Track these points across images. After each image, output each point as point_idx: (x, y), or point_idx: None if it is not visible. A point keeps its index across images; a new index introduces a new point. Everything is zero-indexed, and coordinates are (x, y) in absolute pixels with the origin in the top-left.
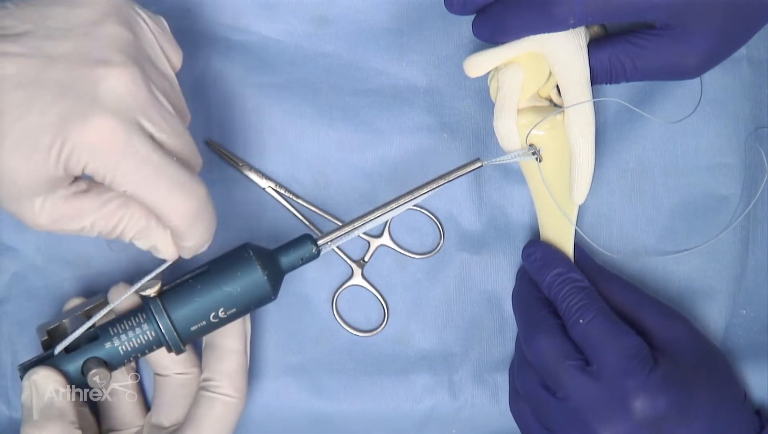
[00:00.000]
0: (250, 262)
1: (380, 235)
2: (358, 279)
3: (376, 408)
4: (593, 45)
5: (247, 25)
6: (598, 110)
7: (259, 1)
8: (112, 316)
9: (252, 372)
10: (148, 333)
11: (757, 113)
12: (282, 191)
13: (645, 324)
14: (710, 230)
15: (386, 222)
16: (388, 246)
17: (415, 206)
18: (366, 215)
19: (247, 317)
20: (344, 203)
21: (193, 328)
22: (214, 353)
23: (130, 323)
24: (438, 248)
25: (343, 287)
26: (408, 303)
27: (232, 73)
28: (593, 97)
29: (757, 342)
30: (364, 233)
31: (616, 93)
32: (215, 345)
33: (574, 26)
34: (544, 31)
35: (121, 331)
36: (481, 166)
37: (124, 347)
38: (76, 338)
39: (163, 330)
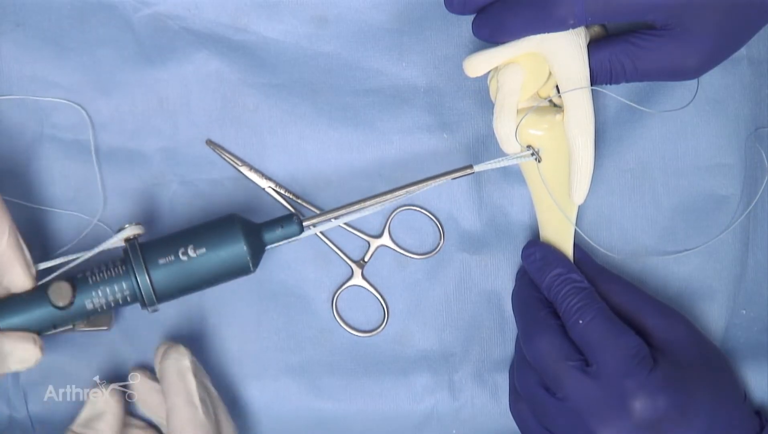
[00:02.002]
0: (229, 215)
1: (380, 235)
2: (358, 279)
3: (376, 408)
4: (593, 45)
5: (247, 25)
6: (598, 109)
7: (259, 1)
8: None
9: (252, 372)
10: (119, 265)
11: (757, 113)
12: (282, 191)
13: (645, 324)
14: (710, 230)
15: (386, 222)
16: (388, 246)
17: (415, 206)
18: (351, 204)
19: (201, 375)
20: (344, 203)
21: (162, 261)
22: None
23: (106, 265)
24: (438, 249)
25: (343, 287)
26: (408, 303)
27: (232, 73)
28: (593, 99)
29: (757, 342)
30: (364, 234)
31: (616, 93)
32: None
33: (573, 26)
34: (543, 31)
35: (95, 266)
36: (473, 173)
37: (94, 278)
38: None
39: (129, 255)
